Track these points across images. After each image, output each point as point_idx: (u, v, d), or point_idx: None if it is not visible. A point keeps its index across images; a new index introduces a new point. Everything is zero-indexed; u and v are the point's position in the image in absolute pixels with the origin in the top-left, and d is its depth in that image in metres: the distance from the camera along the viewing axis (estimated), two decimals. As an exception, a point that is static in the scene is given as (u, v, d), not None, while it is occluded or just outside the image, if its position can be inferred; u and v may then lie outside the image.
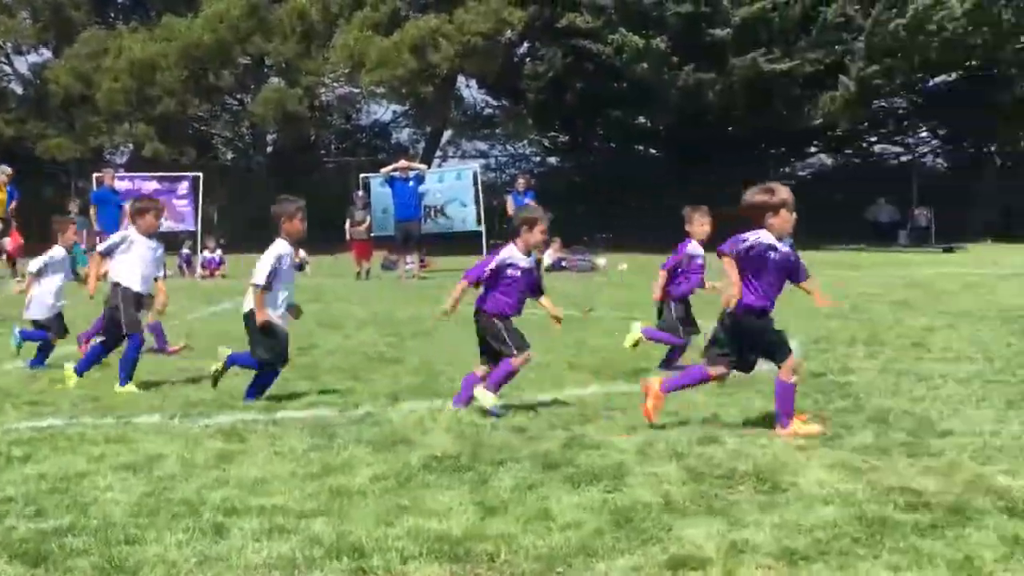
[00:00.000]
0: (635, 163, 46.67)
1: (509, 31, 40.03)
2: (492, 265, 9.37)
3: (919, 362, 11.89)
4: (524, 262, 9.42)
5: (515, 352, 9.31)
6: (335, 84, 44.51)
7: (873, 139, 49.61)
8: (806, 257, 9.27)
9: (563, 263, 29.00)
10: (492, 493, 6.76)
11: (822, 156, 50.60)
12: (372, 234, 29.35)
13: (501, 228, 34.15)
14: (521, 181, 28.74)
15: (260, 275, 9.86)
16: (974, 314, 16.06)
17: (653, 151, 48.52)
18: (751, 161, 42.64)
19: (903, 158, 48.96)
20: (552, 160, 50.77)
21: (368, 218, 29.36)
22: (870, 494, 6.61)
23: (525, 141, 48.73)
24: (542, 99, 41.38)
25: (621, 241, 37.82)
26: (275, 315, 9.96)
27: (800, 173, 50.00)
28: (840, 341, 13.29)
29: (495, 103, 47.49)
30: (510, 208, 27.82)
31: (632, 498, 6.60)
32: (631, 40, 36.12)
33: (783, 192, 8.43)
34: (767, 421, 8.62)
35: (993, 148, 46.75)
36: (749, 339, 8.54)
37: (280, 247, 10.06)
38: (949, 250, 35.56)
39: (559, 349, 12.87)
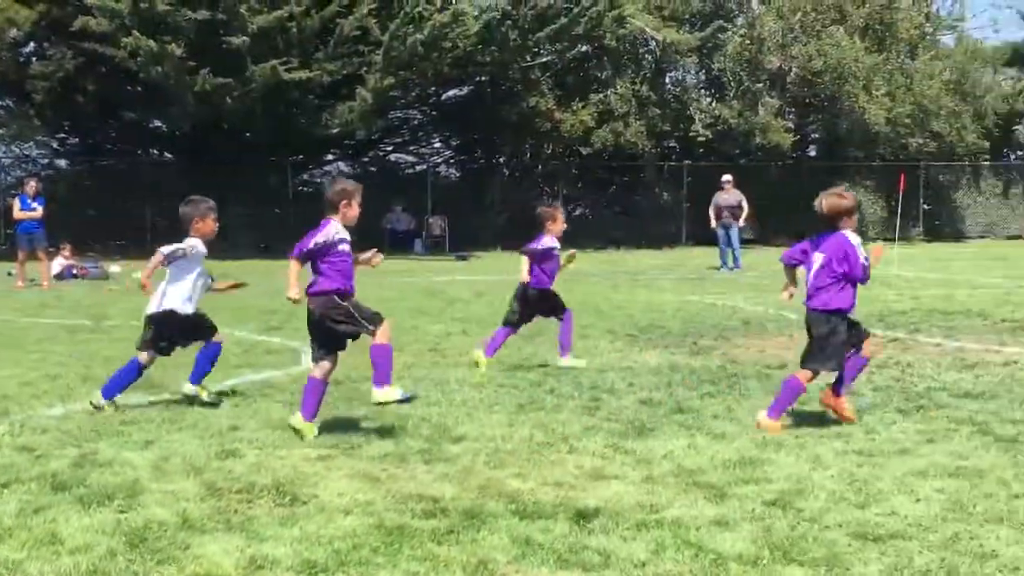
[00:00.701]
0: (150, 167, 45.58)
1: (15, 30, 38.24)
2: (320, 240, 8.76)
3: (435, 368, 12.23)
4: (348, 237, 8.87)
5: (372, 327, 8.87)
6: None
7: (389, 148, 50.72)
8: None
9: (74, 271, 27.76)
10: (-6, 518, 6.36)
11: (340, 164, 51.21)
12: None
13: (6, 233, 32.46)
14: (32, 184, 27.27)
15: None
16: (486, 320, 16.64)
17: (169, 155, 47.62)
18: (270, 166, 42.66)
19: (418, 167, 50.32)
20: (61, 163, 48.72)
21: None
22: (389, 502, 6.68)
23: (31, 143, 46.52)
24: (50, 100, 39.70)
25: (135, 247, 36.86)
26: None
27: (318, 180, 50.37)
28: (357, 347, 13.38)
29: (-2, 103, 45.13)
30: (16, 212, 26.46)
31: (147, 517, 6.38)
32: (146, 44, 35.26)
33: (852, 196, 9.09)
34: (287, 432, 8.56)
35: (502, 159, 48.88)
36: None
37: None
38: (463, 258, 36.82)
39: (69, 362, 12.31)
